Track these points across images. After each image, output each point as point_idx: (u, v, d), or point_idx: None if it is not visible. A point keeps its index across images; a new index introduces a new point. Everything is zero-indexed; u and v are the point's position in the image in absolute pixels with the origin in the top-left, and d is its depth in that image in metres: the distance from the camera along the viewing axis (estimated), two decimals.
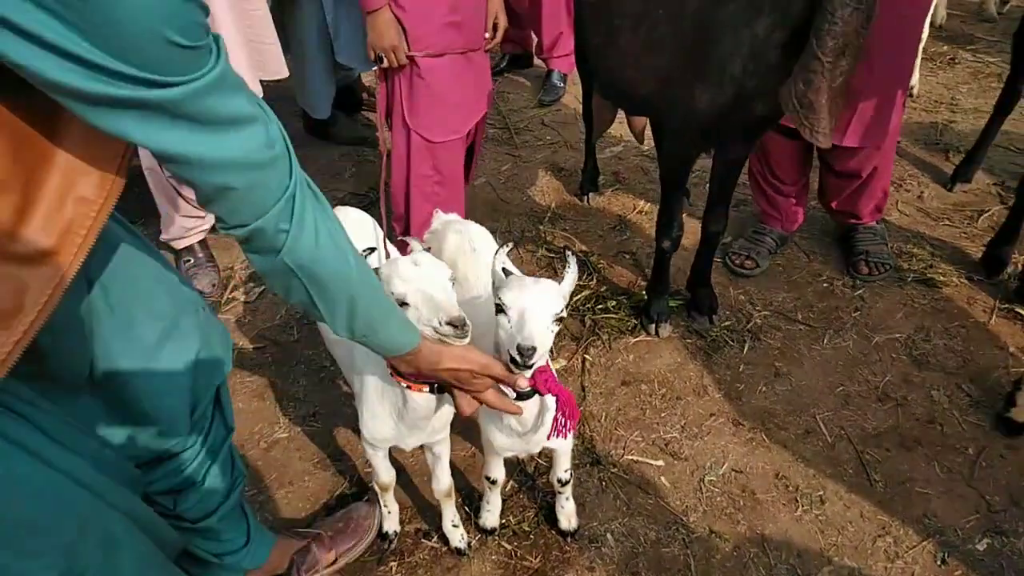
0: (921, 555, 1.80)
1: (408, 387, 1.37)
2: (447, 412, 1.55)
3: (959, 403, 2.17)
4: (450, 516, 1.82)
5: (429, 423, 1.53)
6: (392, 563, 1.81)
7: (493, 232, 2.86)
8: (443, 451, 1.74)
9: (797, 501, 1.94)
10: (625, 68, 2.09)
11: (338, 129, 3.60)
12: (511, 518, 1.91)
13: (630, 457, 2.05)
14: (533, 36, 4.15)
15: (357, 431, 2.11)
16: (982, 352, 2.33)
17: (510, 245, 1.39)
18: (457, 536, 1.82)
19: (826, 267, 2.73)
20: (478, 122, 2.42)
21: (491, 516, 1.85)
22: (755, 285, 2.65)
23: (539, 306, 1.28)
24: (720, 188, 2.21)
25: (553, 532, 1.87)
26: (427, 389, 1.37)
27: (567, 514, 1.85)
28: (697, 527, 1.88)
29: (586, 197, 3.12)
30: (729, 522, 1.89)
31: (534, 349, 1.23)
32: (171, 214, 2.57)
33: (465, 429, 2.15)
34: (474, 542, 1.85)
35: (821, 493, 1.95)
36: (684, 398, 2.23)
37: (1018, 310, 2.47)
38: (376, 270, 1.29)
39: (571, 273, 1.37)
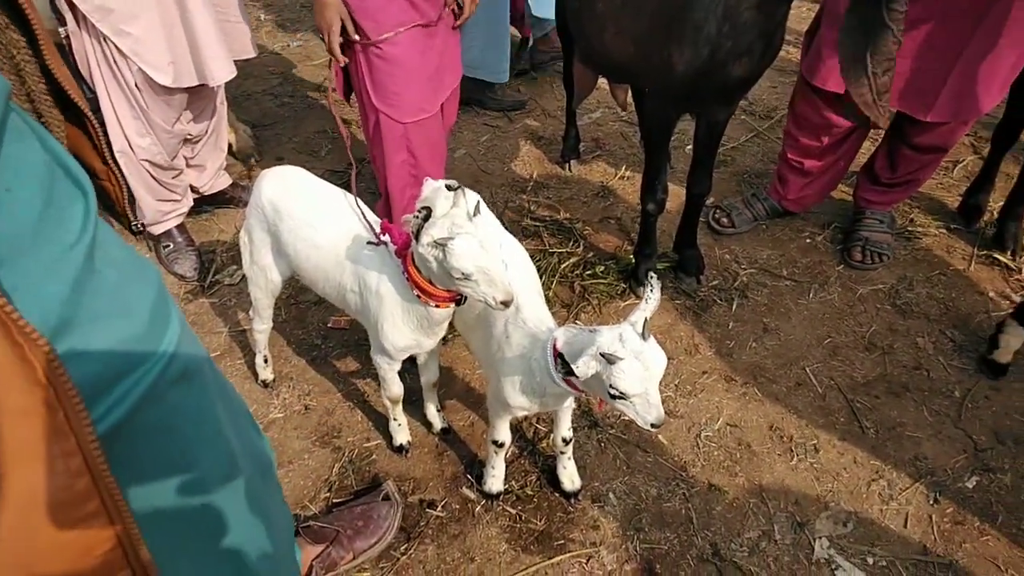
0: (914, 496, 1.86)
1: (437, 305, 1.50)
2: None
3: (943, 348, 2.23)
4: (433, 403, 2.04)
5: (441, 327, 1.66)
6: (400, 534, 1.82)
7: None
8: (436, 346, 1.85)
9: (792, 451, 1.98)
10: (603, 33, 2.07)
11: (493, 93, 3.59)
12: (514, 483, 1.93)
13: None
14: None
15: (352, 406, 2.13)
16: (963, 298, 2.39)
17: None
18: (438, 419, 2.06)
19: (807, 223, 2.76)
20: (449, 97, 2.36)
21: (496, 481, 1.87)
22: (739, 244, 2.68)
23: (658, 378, 1.31)
24: (703, 150, 2.21)
25: (556, 494, 1.89)
26: (451, 305, 1.52)
27: (569, 475, 1.88)
28: (696, 481, 1.92)
29: (568, 164, 3.12)
30: (727, 475, 1.93)
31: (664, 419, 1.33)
32: (146, 199, 2.52)
33: (463, 397, 2.16)
34: (478, 508, 1.87)
35: (815, 442, 2.00)
36: (676, 357, 2.25)
37: (996, 256, 2.53)
38: (444, 244, 1.33)
39: (653, 300, 1.34)
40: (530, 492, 1.91)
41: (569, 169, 3.11)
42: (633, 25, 1.95)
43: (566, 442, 1.81)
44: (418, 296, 1.50)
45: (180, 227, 2.69)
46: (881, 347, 2.24)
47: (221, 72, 2.34)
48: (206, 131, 2.66)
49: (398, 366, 1.81)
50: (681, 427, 2.05)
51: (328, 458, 2.02)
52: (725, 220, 2.70)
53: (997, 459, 1.94)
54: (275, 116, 3.64)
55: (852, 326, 2.32)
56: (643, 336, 1.29)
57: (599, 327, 1.35)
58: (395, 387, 1.87)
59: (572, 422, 1.96)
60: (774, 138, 3.26)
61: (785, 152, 2.57)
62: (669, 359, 2.22)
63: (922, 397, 2.09)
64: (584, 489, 1.90)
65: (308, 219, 1.73)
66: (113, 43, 2.09)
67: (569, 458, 1.87)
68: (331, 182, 2.57)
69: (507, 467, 1.95)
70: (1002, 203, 2.59)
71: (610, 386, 1.29)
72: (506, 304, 1.42)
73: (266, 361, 2.21)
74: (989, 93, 2.08)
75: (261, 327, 2.10)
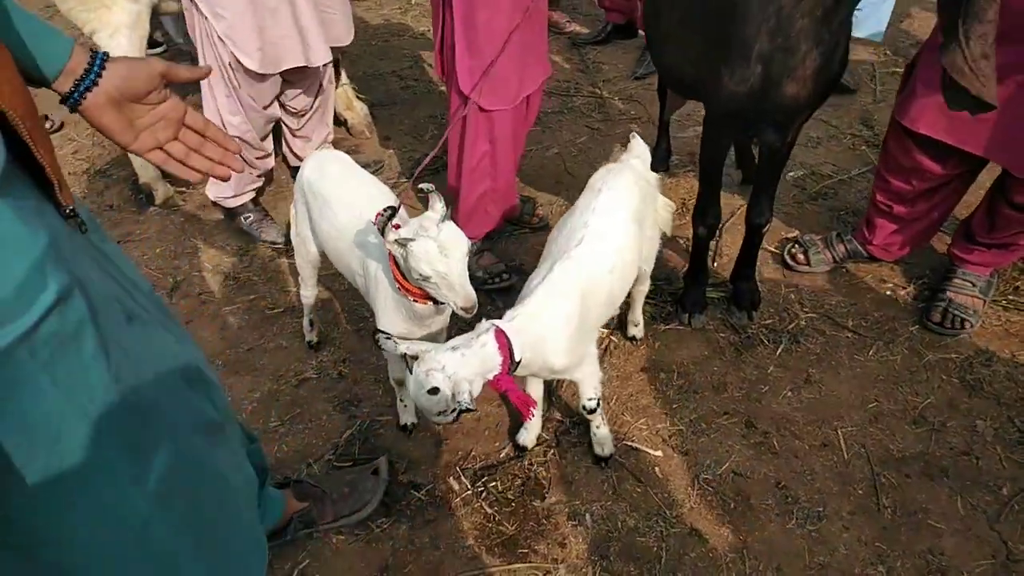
0: None
1: (415, 300, 1.56)
2: (447, 314, 1.75)
3: (1005, 437, 1.97)
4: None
5: (432, 320, 1.73)
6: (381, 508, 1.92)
7: (550, 204, 2.88)
8: (441, 337, 1.91)
9: (792, 514, 1.85)
10: (665, 51, 2.02)
11: None
12: (499, 484, 1.96)
13: (629, 443, 2.04)
14: (640, 5, 4.04)
15: (378, 380, 2.25)
16: None
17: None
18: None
19: (895, 274, 2.52)
20: (534, 93, 2.37)
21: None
22: (810, 284, 2.50)
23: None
24: (762, 177, 2.10)
25: (534, 504, 1.91)
26: (429, 303, 1.57)
27: (599, 441, 1.96)
28: (679, 522, 1.85)
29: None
30: (714, 523, 1.85)
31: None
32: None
33: None
34: (458, 500, 1.93)
35: (821, 509, 1.86)
36: (701, 392, 2.17)
37: None
38: (405, 243, 1.42)
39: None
40: (510, 496, 1.94)
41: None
42: (690, 43, 1.89)
43: (587, 411, 1.88)
44: (399, 288, 1.57)
45: (254, 200, 2.89)
46: (932, 423, 2.02)
47: (318, 57, 2.52)
48: (311, 107, 2.87)
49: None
50: (681, 464, 1.98)
51: (342, 424, 2.16)
52: (801, 256, 2.53)
53: None
54: (396, 97, 3.84)
55: (906, 394, 2.11)
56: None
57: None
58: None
59: (577, 437, 1.97)
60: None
61: (875, 193, 2.36)
62: (693, 393, 2.17)
63: (961, 486, 1.87)
64: (563, 505, 1.90)
65: (333, 202, 1.85)
66: (211, 23, 2.32)
67: (597, 426, 1.94)
68: (428, 168, 2.69)
69: (497, 468, 1.99)
70: None
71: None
72: (466, 311, 1.46)
73: (311, 324, 2.38)
74: None
75: (306, 293, 2.27)
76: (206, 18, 2.30)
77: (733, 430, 2.06)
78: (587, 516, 1.88)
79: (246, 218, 2.86)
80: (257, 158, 2.74)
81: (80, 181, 3.29)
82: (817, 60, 1.65)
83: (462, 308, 1.45)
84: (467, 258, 1.46)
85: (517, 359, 1.51)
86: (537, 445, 2.05)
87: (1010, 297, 2.37)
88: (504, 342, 1.48)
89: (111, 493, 0.87)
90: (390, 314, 1.72)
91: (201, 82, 2.48)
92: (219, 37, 2.32)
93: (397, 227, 1.47)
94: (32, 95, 0.86)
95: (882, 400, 2.10)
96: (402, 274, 1.53)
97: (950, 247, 2.36)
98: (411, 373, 1.41)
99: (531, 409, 1.60)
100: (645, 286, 2.18)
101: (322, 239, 1.92)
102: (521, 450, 2.02)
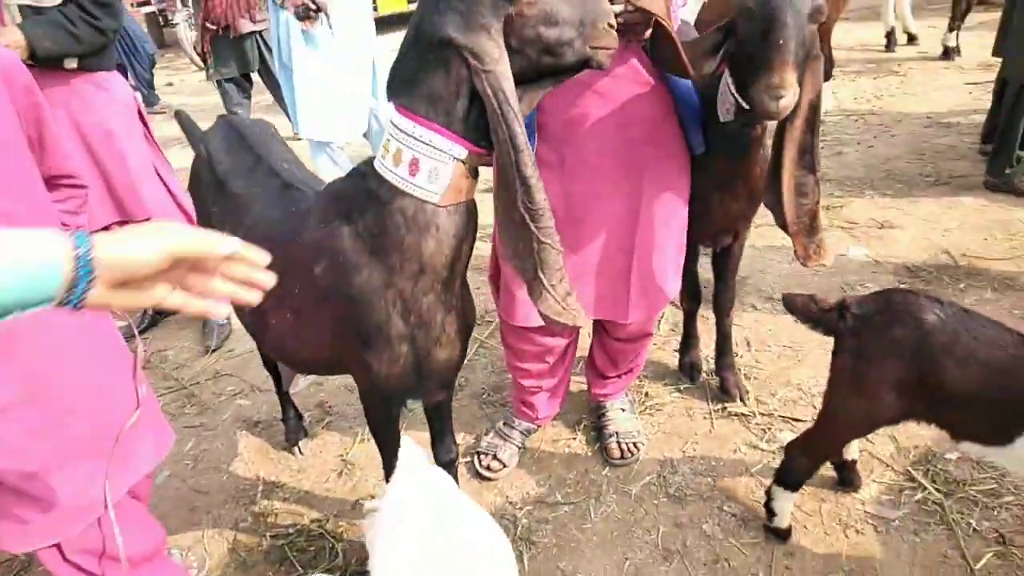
0: None
1: None
2: None
3: (728, 527, 2.20)
4: None
5: None
6: None
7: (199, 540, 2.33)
8: None
9: None
10: (285, 343, 1.86)
11: None
12: None
13: None
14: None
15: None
16: (722, 464, 2.43)
17: None
18: None
19: (559, 428, 2.69)
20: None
21: None
22: (508, 482, 2.49)
23: None
24: (435, 423, 2.04)
25: None
26: None
27: None
28: None
29: (297, 447, 2.75)
30: None
31: None
32: None
33: None
34: None
35: None
36: None
37: (727, 407, 2.65)
38: None
39: None
40: None
41: (299, 452, 2.75)
42: (315, 336, 1.75)
43: None
44: None
45: None
46: (676, 550, 2.15)
47: None
48: None
49: None
50: None
51: None
52: (495, 464, 2.50)
53: None
54: None
55: (641, 535, 2.21)
56: None
57: None
58: None
59: None
60: (496, 344, 3.22)
61: (519, 382, 2.49)
62: None
63: None
64: None
65: None
66: None
67: None
68: None
69: None
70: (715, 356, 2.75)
71: None
72: None
73: None
74: (667, 281, 2.20)
75: None
76: None
77: None
78: None
79: None
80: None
81: None
82: (456, 322, 1.69)
83: None
84: None
85: None
86: None
87: (646, 402, 2.72)
88: None
89: None
90: None
91: None
92: None
93: None
94: None
95: (630, 553, 2.16)
96: None
97: (590, 390, 2.62)
98: None
99: None
100: None
101: None
102: None
